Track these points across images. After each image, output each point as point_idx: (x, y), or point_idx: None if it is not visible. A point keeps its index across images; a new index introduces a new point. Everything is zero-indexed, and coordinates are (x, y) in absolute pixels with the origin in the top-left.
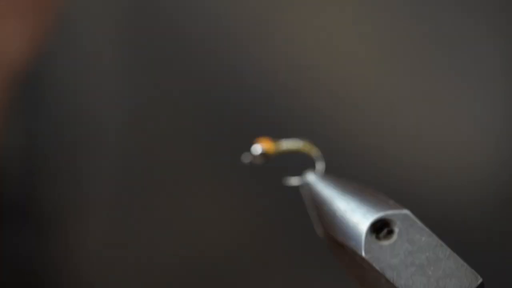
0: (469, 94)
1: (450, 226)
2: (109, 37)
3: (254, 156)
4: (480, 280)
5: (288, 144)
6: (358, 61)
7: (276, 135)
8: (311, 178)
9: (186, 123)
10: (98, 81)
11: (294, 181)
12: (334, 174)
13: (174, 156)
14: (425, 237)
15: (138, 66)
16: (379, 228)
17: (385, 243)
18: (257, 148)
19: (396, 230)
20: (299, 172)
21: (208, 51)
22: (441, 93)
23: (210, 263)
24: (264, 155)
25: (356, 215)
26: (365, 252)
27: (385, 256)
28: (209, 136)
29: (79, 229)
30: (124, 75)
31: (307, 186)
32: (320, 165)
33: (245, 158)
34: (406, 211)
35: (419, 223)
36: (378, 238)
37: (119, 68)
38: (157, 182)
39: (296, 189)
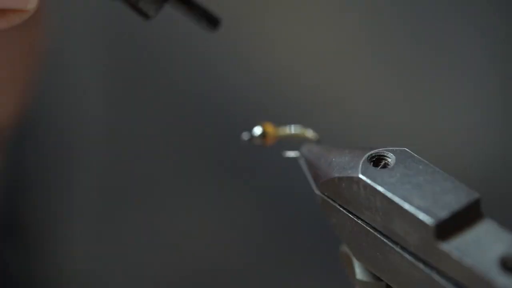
0: (452, 90)
1: None
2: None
3: (254, 137)
4: (477, 195)
5: (289, 129)
6: (348, 60)
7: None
8: (308, 146)
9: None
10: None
11: (292, 153)
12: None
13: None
14: (422, 165)
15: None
16: (377, 161)
17: (382, 169)
18: (258, 129)
19: (393, 162)
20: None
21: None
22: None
23: (201, 267)
24: (263, 136)
25: (352, 157)
26: (362, 173)
27: (381, 176)
28: (200, 141)
29: (66, 236)
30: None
31: (304, 154)
32: (315, 137)
33: (245, 136)
34: (404, 148)
35: (417, 156)
36: (375, 167)
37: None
38: (149, 185)
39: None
